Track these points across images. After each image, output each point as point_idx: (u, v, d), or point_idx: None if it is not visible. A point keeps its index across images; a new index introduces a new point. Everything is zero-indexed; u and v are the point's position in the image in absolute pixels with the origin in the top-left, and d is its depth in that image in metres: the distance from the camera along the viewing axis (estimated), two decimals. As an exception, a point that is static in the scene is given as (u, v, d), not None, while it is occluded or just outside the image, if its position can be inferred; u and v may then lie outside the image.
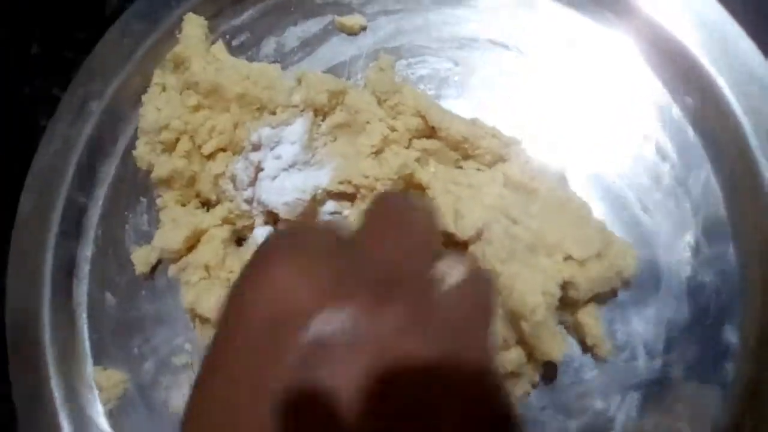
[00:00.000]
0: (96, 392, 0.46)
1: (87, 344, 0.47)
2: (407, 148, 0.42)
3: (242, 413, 0.22)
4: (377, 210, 0.27)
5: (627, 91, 0.43)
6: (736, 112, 0.40)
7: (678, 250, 0.40)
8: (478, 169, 0.41)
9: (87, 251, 0.49)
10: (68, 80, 0.49)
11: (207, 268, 0.44)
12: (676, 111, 0.42)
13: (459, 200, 0.39)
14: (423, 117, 0.41)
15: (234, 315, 0.24)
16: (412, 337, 0.22)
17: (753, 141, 0.40)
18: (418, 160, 0.42)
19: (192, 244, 0.45)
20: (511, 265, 0.37)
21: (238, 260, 0.44)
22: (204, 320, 0.43)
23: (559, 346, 0.37)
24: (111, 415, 0.45)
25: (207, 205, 0.46)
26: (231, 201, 0.44)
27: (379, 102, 0.42)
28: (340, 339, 0.22)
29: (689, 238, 0.40)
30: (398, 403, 0.21)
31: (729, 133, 0.41)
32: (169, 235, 0.44)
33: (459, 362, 0.23)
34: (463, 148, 0.41)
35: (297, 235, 0.27)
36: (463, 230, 0.38)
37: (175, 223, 0.44)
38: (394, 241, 0.25)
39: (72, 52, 0.53)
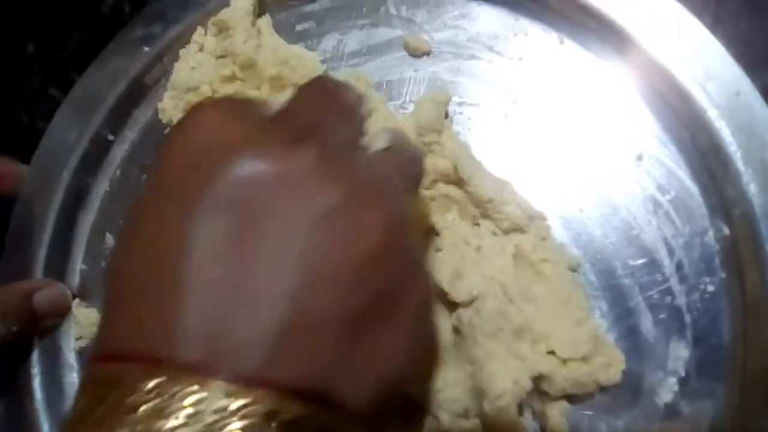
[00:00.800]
0: (72, 326, 0.46)
1: (77, 273, 0.48)
2: (428, 189, 0.41)
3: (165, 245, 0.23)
4: (310, 84, 0.29)
5: (623, 135, 0.43)
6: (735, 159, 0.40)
7: (666, 370, 0.39)
8: (494, 233, 0.40)
9: (102, 188, 0.49)
10: (66, 80, 0.49)
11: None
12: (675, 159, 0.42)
13: (463, 261, 0.38)
14: (455, 165, 0.41)
15: (160, 159, 0.25)
16: (327, 180, 0.23)
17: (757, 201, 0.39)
18: (433, 199, 0.41)
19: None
20: (491, 343, 0.36)
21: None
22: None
23: None
24: (80, 353, 0.46)
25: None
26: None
27: (418, 134, 0.42)
28: (267, 177, 0.23)
29: (680, 366, 0.39)
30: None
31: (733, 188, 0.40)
32: None
33: (376, 214, 0.24)
34: (485, 207, 0.40)
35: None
36: (456, 293, 0.37)
37: None
38: (322, 104, 0.27)
39: (68, 53, 0.53)
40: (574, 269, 0.40)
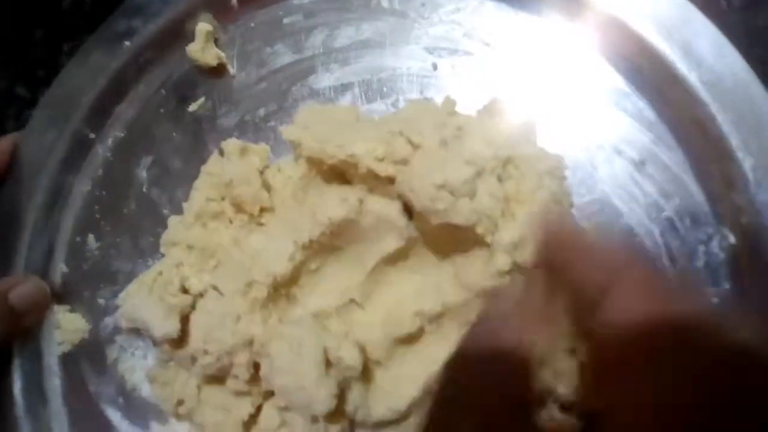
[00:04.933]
0: (54, 332, 0.45)
1: (58, 275, 0.46)
2: None
3: None
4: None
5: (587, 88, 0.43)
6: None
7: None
8: None
9: (84, 186, 0.48)
10: (33, 78, 0.47)
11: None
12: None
13: None
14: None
15: None
16: None
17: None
18: None
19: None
20: None
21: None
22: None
23: None
24: (63, 358, 0.45)
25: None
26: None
27: None
28: None
29: None
30: None
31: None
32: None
33: None
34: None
35: None
36: None
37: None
38: None
39: (33, 50, 0.51)
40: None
